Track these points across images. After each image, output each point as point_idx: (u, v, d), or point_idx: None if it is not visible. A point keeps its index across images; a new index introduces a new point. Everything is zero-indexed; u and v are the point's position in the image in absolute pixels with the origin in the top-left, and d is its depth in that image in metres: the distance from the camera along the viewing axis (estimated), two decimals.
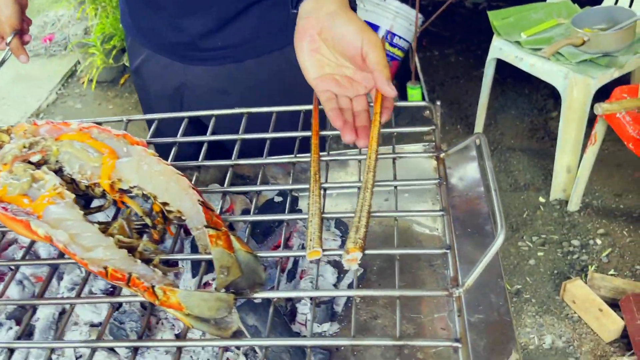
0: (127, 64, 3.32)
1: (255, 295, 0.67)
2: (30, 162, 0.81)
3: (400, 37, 2.99)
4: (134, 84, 1.39)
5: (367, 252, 0.70)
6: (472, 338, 0.70)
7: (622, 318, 1.86)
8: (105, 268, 0.67)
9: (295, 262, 0.91)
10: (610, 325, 1.86)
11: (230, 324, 0.63)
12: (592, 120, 2.22)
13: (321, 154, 0.85)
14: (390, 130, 0.88)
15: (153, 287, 0.64)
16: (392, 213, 0.73)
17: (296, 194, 1.05)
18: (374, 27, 2.97)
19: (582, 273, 2.12)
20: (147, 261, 0.72)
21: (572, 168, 2.33)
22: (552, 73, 2.19)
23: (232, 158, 0.88)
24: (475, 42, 3.46)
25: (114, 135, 0.83)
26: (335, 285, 0.91)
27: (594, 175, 2.32)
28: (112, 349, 0.77)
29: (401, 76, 3.17)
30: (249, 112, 0.95)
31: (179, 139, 0.92)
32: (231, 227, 0.98)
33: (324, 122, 0.91)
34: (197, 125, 1.14)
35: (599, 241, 2.23)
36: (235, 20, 1.09)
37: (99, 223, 0.76)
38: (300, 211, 0.99)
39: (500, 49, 2.38)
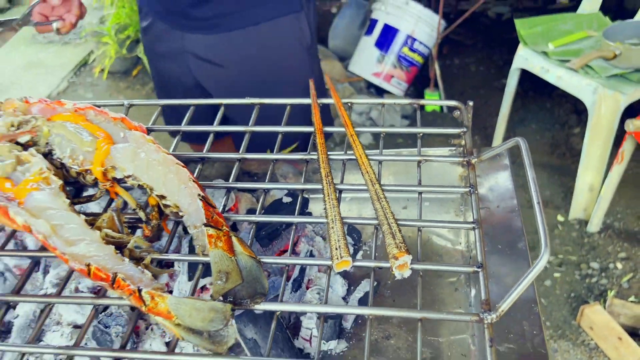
0: (140, 56, 3.24)
1: (257, 306, 0.59)
2: (18, 143, 0.73)
3: (420, 43, 2.91)
4: (142, 43, 1.56)
5: (382, 264, 0.62)
6: None
7: None
8: (88, 265, 0.59)
9: (302, 270, 0.83)
10: (629, 356, 1.76)
11: (226, 338, 0.55)
12: (618, 138, 2.11)
13: (335, 152, 0.77)
14: (416, 130, 0.79)
15: (140, 290, 0.56)
16: (417, 222, 0.65)
17: (307, 196, 0.97)
18: (394, 31, 2.89)
19: (600, 298, 2.01)
20: (138, 260, 0.64)
21: (594, 187, 2.23)
22: (580, 87, 2.10)
23: (240, 151, 0.80)
24: (497, 52, 3.37)
25: (112, 118, 0.76)
26: (345, 299, 0.83)
27: (616, 195, 2.21)
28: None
29: (420, 83, 3.08)
30: (260, 102, 0.87)
31: (183, 127, 0.84)
32: (234, 227, 0.90)
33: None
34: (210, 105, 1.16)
35: (619, 265, 2.12)
36: None
37: (88, 215, 0.68)
38: (310, 214, 0.91)
39: (525, 59, 2.29)
